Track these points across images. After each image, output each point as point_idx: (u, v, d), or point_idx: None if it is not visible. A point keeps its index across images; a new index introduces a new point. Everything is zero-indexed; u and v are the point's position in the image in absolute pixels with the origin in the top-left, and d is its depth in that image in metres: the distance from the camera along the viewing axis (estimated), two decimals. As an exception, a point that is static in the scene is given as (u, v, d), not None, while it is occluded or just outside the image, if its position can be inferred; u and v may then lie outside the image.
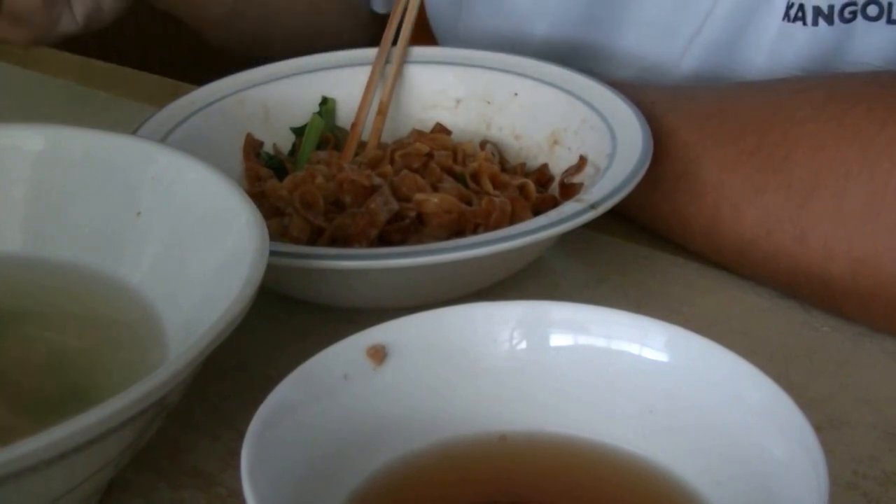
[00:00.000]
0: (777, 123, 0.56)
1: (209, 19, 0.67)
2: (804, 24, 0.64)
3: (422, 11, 0.82)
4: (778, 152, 0.55)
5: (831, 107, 0.54)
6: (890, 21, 0.62)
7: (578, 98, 0.63)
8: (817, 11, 0.63)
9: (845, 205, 0.52)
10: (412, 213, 0.57)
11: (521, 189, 0.59)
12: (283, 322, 0.56)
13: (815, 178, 0.53)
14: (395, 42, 0.69)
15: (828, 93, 0.56)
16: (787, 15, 0.64)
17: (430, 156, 0.61)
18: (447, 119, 0.68)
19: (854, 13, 0.62)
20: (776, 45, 0.65)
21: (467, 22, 0.79)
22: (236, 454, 0.35)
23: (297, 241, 0.56)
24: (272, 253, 0.46)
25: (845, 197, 0.52)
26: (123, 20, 0.78)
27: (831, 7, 0.63)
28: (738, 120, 0.57)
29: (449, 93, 0.68)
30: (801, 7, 0.63)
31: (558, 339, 0.41)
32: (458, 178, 0.60)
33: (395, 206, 0.57)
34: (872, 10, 0.62)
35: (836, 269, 0.52)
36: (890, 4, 0.61)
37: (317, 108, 0.68)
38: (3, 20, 0.66)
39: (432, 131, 0.67)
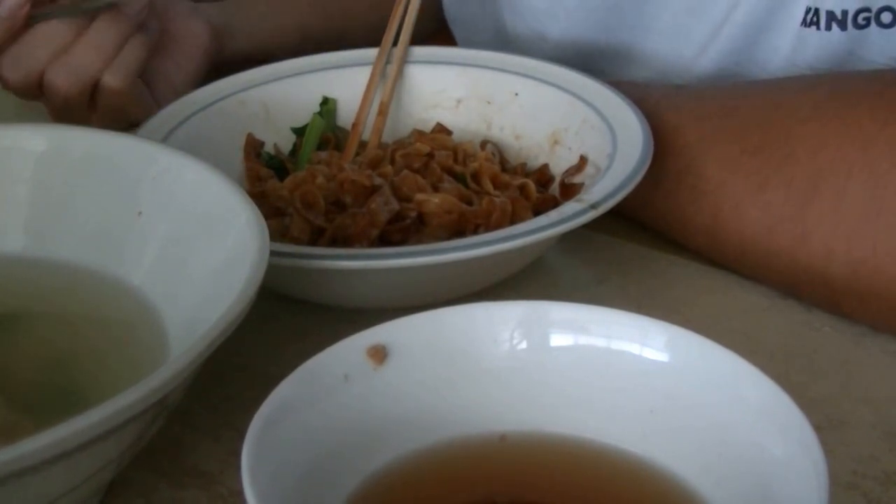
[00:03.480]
0: (779, 122, 0.56)
1: (281, 56, 0.71)
2: (818, 28, 0.64)
3: (440, 12, 0.83)
4: (779, 151, 0.55)
5: (833, 105, 0.54)
6: None
7: (579, 98, 0.63)
8: (831, 16, 0.63)
9: (846, 204, 0.52)
10: (413, 214, 0.57)
11: (522, 189, 0.59)
12: (284, 322, 0.56)
13: (817, 177, 0.53)
14: (395, 42, 0.69)
15: (830, 91, 0.56)
16: (804, 20, 0.64)
17: (430, 156, 0.61)
18: (448, 119, 0.68)
19: (868, 19, 0.62)
20: (792, 50, 0.65)
21: (488, 21, 0.79)
22: (237, 454, 0.35)
23: (297, 242, 0.56)
24: (273, 253, 0.46)
25: (846, 196, 0.52)
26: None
27: (845, 13, 0.62)
28: (741, 118, 0.58)
29: (449, 93, 0.68)
30: (817, 12, 0.63)
31: (558, 339, 0.41)
32: (459, 178, 0.60)
33: (395, 206, 0.57)
34: (886, 16, 0.62)
35: (837, 268, 0.52)
36: None
37: (317, 109, 0.68)
38: (100, 115, 0.71)
39: (433, 131, 0.67)
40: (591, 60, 0.73)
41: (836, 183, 0.52)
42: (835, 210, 0.52)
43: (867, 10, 0.62)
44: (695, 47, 0.69)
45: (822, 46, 0.64)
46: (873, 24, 0.62)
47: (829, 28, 0.63)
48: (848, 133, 0.53)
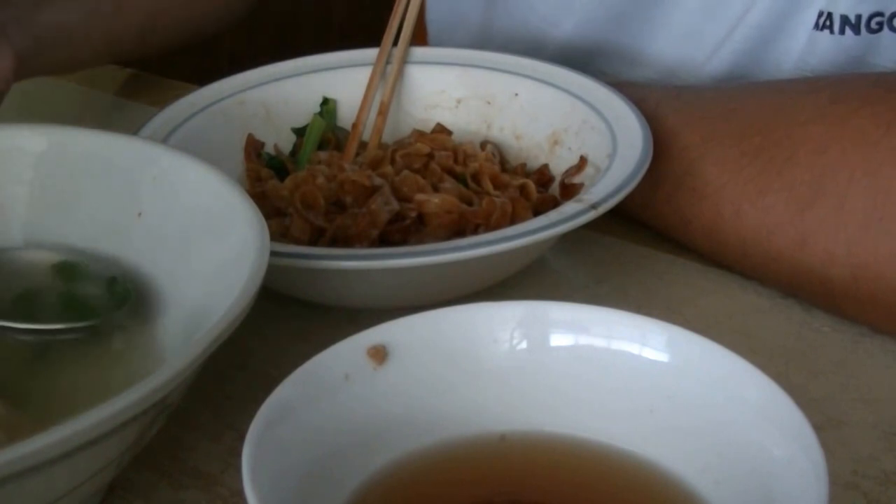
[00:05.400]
0: (780, 125, 0.55)
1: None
2: (831, 32, 0.64)
3: (420, 15, 0.83)
4: (781, 155, 0.55)
5: (835, 109, 0.54)
6: None
7: (579, 98, 0.63)
8: (845, 21, 0.63)
9: (847, 209, 0.52)
10: (413, 214, 0.57)
11: (522, 189, 0.59)
12: (284, 322, 0.56)
13: (818, 181, 0.53)
14: (395, 42, 0.69)
15: (832, 94, 0.55)
16: (817, 23, 0.64)
17: (430, 156, 0.61)
18: (448, 119, 0.68)
19: (881, 24, 0.62)
20: (803, 53, 0.65)
21: (496, 21, 0.79)
22: (237, 454, 0.35)
23: (298, 242, 0.56)
24: (273, 253, 0.46)
25: (847, 201, 0.52)
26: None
27: (858, 17, 0.62)
28: (742, 121, 0.57)
29: (449, 93, 0.68)
30: (830, 15, 0.63)
31: (558, 339, 0.41)
32: (459, 178, 0.60)
33: (395, 206, 0.57)
34: None
35: (837, 273, 0.52)
36: None
37: (318, 109, 0.68)
38: None
39: (433, 131, 0.67)
40: (598, 59, 0.73)
41: (837, 187, 0.52)
42: (836, 215, 0.52)
43: (880, 14, 0.62)
44: (707, 48, 0.69)
45: (833, 50, 0.64)
46: (886, 28, 0.62)
47: (842, 32, 0.63)
48: (850, 137, 0.52)
